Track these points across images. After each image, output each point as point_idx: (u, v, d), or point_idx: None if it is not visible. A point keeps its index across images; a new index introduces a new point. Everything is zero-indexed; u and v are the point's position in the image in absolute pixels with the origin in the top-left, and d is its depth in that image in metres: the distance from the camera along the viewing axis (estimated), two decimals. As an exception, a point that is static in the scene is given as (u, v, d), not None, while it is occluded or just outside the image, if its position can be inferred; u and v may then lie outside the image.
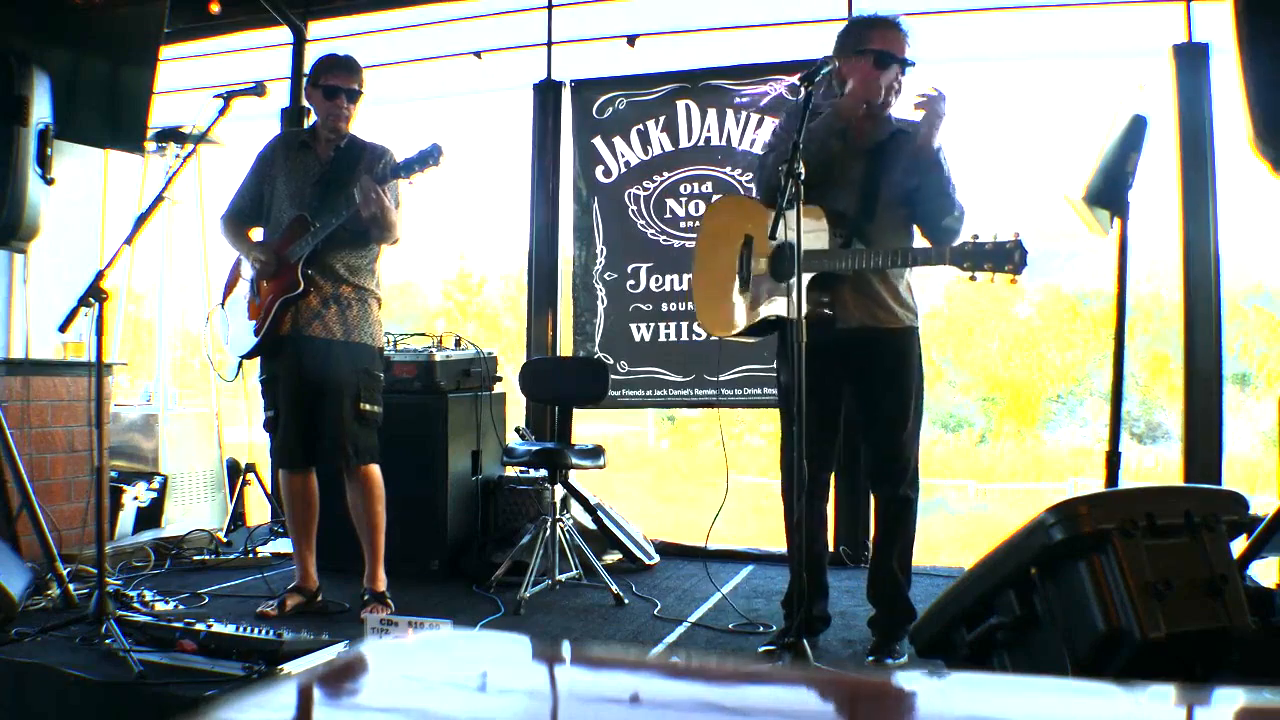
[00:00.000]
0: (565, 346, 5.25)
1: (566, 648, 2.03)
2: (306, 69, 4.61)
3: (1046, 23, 4.74)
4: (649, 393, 5.10)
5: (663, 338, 5.04)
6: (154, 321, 5.79)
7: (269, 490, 5.35)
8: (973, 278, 2.85)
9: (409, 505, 4.17)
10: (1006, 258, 2.77)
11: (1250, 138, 2.89)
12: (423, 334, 4.76)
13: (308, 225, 3.60)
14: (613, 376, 4.83)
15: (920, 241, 3.23)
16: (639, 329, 5.07)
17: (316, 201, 3.66)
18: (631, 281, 5.09)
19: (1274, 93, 2.83)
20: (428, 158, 3.48)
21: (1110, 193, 3.16)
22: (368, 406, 3.69)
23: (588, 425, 6.22)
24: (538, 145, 5.33)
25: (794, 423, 2.76)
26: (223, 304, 3.93)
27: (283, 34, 5.76)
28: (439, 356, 4.47)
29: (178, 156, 5.32)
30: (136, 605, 3.62)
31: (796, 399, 2.74)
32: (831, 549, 4.27)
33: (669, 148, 5.05)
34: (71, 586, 3.63)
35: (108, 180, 5.32)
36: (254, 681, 2.70)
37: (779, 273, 3.08)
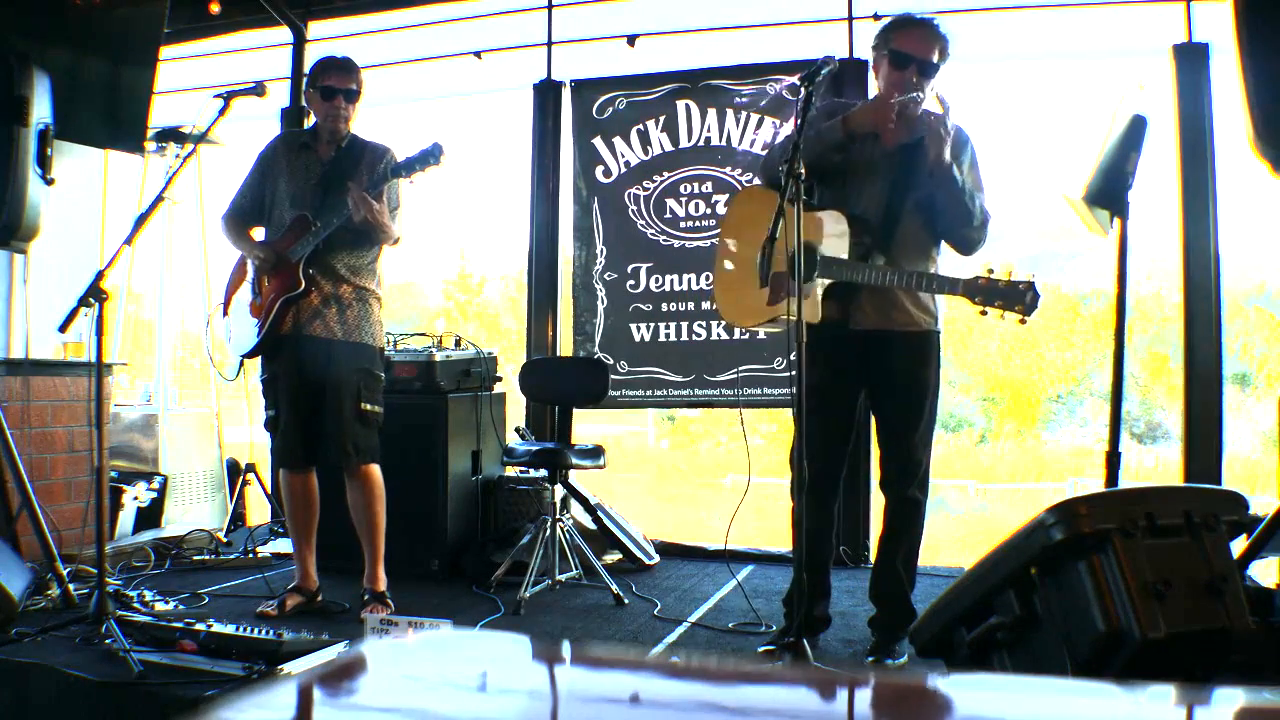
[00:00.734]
0: (565, 346, 5.25)
1: (566, 648, 2.03)
2: (306, 69, 4.61)
3: (1046, 23, 4.74)
4: (649, 393, 5.10)
5: (663, 338, 5.04)
6: (154, 321, 5.79)
7: (269, 490, 5.36)
8: (983, 312, 2.86)
9: (409, 505, 4.17)
10: (1019, 298, 2.77)
11: (1250, 138, 2.89)
12: (423, 334, 4.76)
13: (309, 225, 3.60)
14: (613, 376, 4.83)
15: (945, 249, 3.23)
16: (639, 329, 5.07)
17: (318, 202, 3.66)
18: (631, 281, 5.09)
19: (1274, 93, 2.83)
20: (428, 157, 3.48)
21: (1110, 193, 3.15)
22: (368, 406, 3.69)
23: (588, 425, 6.22)
24: (538, 145, 5.33)
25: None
26: (226, 304, 3.93)
27: (283, 34, 5.77)
28: (439, 356, 4.47)
29: (178, 156, 5.32)
30: (136, 605, 3.62)
31: (797, 399, 2.75)
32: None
33: (669, 148, 5.05)
34: (71, 586, 3.63)
35: (108, 180, 5.33)
36: (254, 681, 2.70)
37: (794, 274, 3.07)
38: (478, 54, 5.45)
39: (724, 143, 4.97)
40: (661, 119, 5.06)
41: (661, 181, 5.06)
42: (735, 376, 4.90)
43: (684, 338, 5.01)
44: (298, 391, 3.68)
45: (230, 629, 3.00)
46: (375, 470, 3.73)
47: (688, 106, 5.03)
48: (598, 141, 5.15)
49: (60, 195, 3.89)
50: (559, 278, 5.33)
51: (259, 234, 3.84)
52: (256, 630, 2.99)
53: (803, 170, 2.76)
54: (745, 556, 4.75)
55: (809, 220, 3.00)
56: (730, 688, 0.97)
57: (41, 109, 3.62)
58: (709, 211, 4.99)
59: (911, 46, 3.08)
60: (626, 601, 3.95)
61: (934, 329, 3.22)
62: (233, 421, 5.75)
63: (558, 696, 0.91)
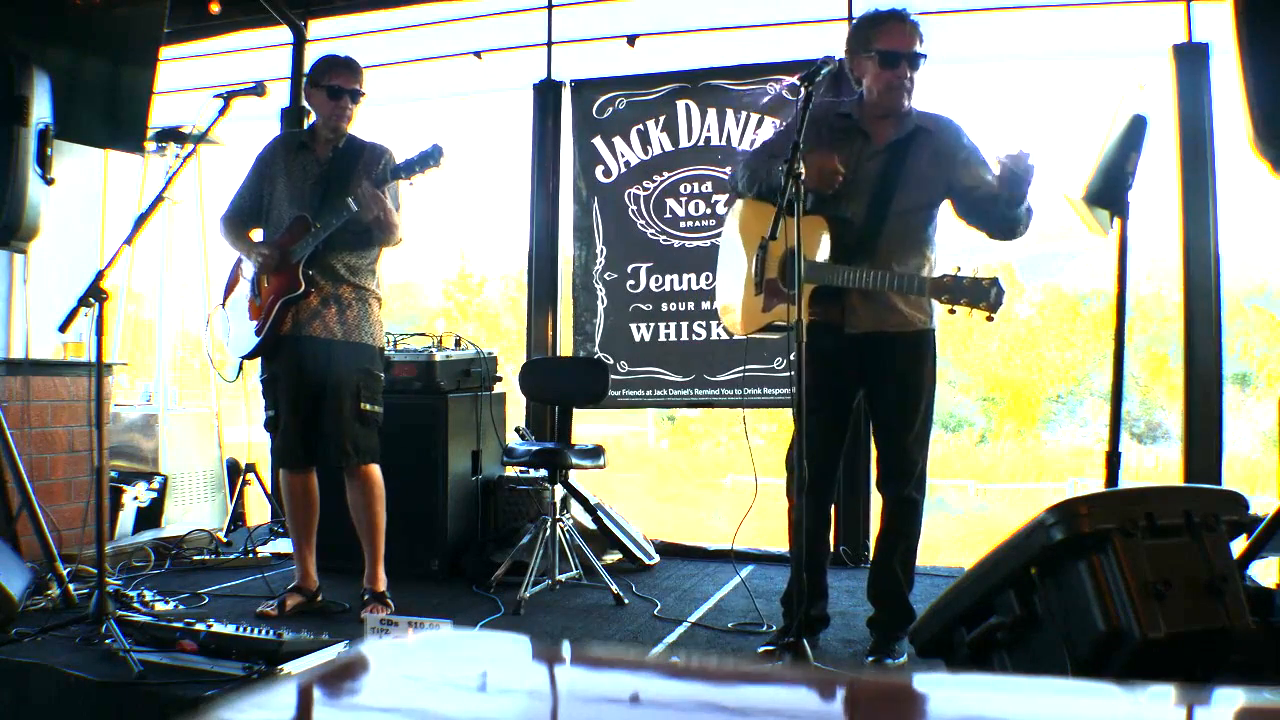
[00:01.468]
0: (565, 346, 5.25)
1: (566, 648, 2.03)
2: (306, 69, 4.60)
3: (1047, 23, 4.74)
4: (649, 393, 5.10)
5: (663, 338, 5.04)
6: (154, 321, 5.79)
7: (269, 490, 5.36)
8: (951, 310, 2.87)
9: (409, 505, 4.17)
10: (983, 295, 2.77)
11: (1250, 138, 2.89)
12: (423, 334, 4.76)
13: (308, 226, 3.60)
14: (613, 376, 4.83)
15: (942, 247, 3.22)
16: (639, 329, 5.07)
17: (317, 202, 3.66)
18: (631, 281, 5.09)
19: (1274, 93, 2.83)
20: (428, 159, 3.48)
21: (1110, 193, 3.16)
22: (368, 406, 3.69)
23: (588, 425, 6.22)
24: (538, 145, 5.33)
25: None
26: (224, 304, 3.93)
27: (283, 34, 5.76)
28: (439, 356, 4.47)
29: (178, 156, 5.32)
30: (136, 605, 3.62)
31: (797, 400, 2.75)
32: (832, 549, 4.27)
33: (669, 148, 5.05)
34: (71, 586, 3.63)
35: (108, 180, 5.33)
36: (254, 681, 2.70)
37: (785, 280, 3.07)
38: (478, 54, 5.45)
39: (724, 143, 4.97)
40: (661, 119, 5.06)
41: (661, 181, 5.06)
42: (735, 376, 4.90)
43: (684, 338, 5.01)
44: (298, 392, 3.68)
45: (230, 629, 3.00)
46: (375, 470, 3.73)
47: (688, 106, 5.03)
48: (598, 141, 5.15)
49: (60, 195, 3.89)
50: (559, 278, 5.33)
51: (258, 235, 3.84)
52: (256, 630, 2.99)
53: (802, 170, 2.76)
54: (745, 556, 4.75)
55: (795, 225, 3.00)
56: (730, 688, 0.97)
57: (41, 109, 3.62)
58: (709, 211, 4.99)
59: (897, 43, 3.07)
60: (626, 601, 3.95)
61: (928, 327, 3.21)
62: (233, 421, 5.75)
63: (558, 696, 0.91)
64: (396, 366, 4.41)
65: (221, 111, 3.41)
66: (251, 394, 4.66)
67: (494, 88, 5.65)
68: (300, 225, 3.62)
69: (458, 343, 4.72)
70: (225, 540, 4.89)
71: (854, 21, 3.31)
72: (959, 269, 2.85)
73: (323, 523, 3.84)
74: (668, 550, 4.90)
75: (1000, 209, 3.02)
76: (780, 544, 4.37)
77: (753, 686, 0.96)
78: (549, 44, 5.30)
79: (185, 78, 5.80)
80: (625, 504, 5.02)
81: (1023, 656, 2.27)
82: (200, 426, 5.60)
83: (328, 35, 5.73)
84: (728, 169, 4.93)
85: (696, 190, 5.01)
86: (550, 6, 5.29)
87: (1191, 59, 4.29)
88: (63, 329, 3.27)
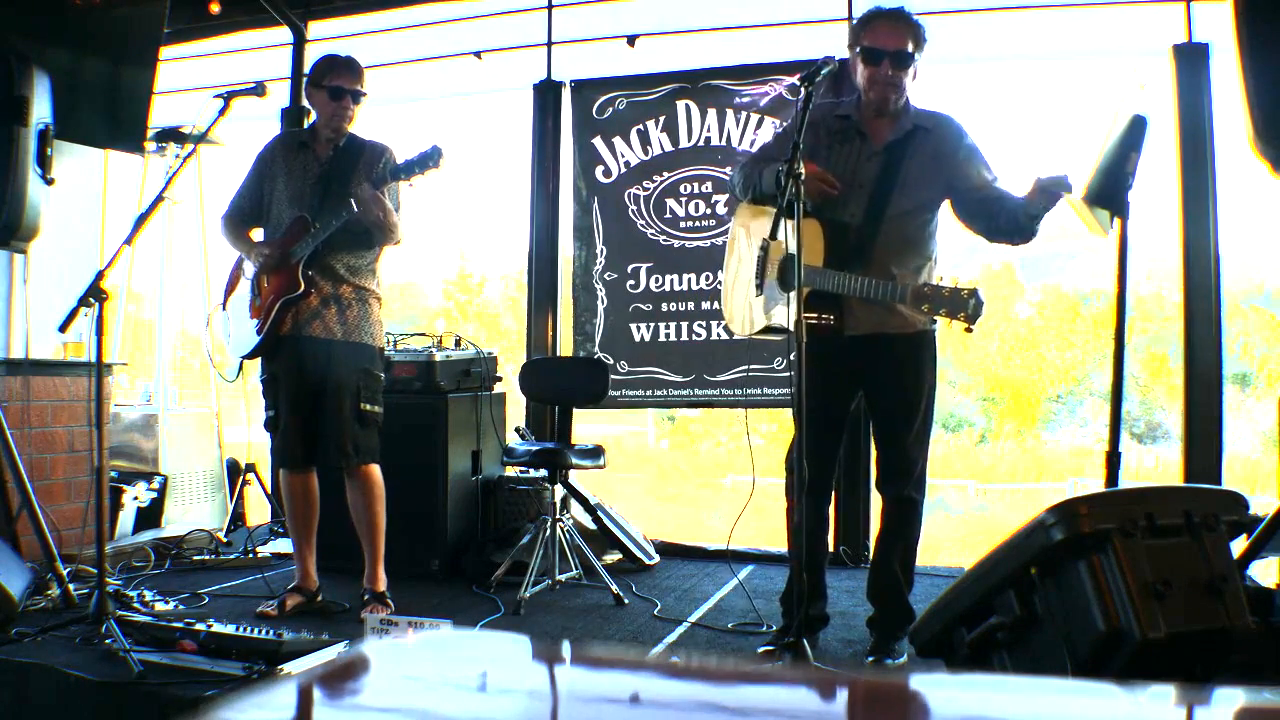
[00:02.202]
0: (565, 346, 5.25)
1: (566, 648, 2.03)
2: (306, 69, 4.61)
3: (1047, 23, 4.74)
4: (649, 393, 5.10)
5: (663, 338, 5.04)
6: (154, 321, 5.79)
7: (269, 490, 5.36)
8: (932, 321, 2.85)
9: (409, 505, 4.17)
10: (961, 306, 2.74)
11: (1250, 138, 2.89)
12: (423, 334, 4.76)
13: (308, 226, 3.60)
14: (613, 376, 4.83)
15: (942, 248, 3.22)
16: (639, 329, 5.07)
17: (317, 202, 3.66)
18: (631, 281, 5.09)
19: (1274, 93, 2.83)
20: (428, 160, 3.48)
21: (1110, 193, 3.15)
22: (368, 406, 3.69)
23: (588, 425, 6.22)
24: (538, 145, 5.33)
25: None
26: (224, 304, 3.93)
27: (283, 34, 5.76)
28: (439, 356, 4.47)
29: (178, 156, 5.32)
30: (136, 605, 3.61)
31: (796, 400, 2.75)
32: (831, 549, 4.27)
33: (669, 148, 5.05)
34: (71, 586, 3.63)
35: (108, 180, 5.32)
36: (254, 681, 2.70)
37: (783, 282, 3.07)
38: (478, 54, 5.45)
39: (724, 143, 4.97)
40: (661, 119, 5.06)
41: (661, 181, 5.06)
42: (735, 376, 4.90)
43: (684, 338, 5.01)
44: (298, 392, 3.68)
45: (230, 629, 3.00)
46: (375, 470, 3.73)
47: (688, 106, 5.03)
48: (598, 141, 5.15)
49: (60, 195, 3.89)
50: (559, 278, 5.33)
51: (258, 234, 3.84)
52: (256, 630, 2.99)
53: (802, 171, 2.76)
54: (745, 556, 4.75)
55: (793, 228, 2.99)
56: (730, 688, 0.97)
57: (41, 109, 3.62)
58: (709, 211, 4.99)
59: (882, 40, 3.06)
60: (626, 601, 3.95)
61: (929, 328, 3.20)
62: (232, 421, 5.75)
63: (558, 696, 0.91)
64: (396, 366, 4.42)
65: (221, 111, 3.41)
66: (251, 394, 4.66)
67: (494, 88, 5.66)
68: (300, 225, 3.62)
69: (458, 343, 4.72)
70: (225, 540, 4.89)
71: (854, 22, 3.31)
72: (941, 279, 2.83)
73: (323, 523, 3.84)
74: (668, 550, 4.90)
75: (1019, 220, 2.98)
76: (779, 544, 4.37)
77: (753, 686, 0.96)
78: (549, 44, 5.30)
79: (185, 78, 5.80)
80: (625, 504, 5.02)
81: (1023, 656, 2.27)
82: (200, 426, 5.60)
83: (328, 35, 5.73)
84: (728, 169, 4.93)
85: (696, 190, 5.01)
86: (550, 6, 5.29)
87: (1191, 59, 4.29)
88: (63, 329, 3.27)
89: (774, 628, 3.49)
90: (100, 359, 3.27)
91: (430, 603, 3.91)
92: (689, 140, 5.02)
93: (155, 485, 5.12)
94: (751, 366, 4.82)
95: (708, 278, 4.94)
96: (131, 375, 6.18)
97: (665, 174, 5.05)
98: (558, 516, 4.08)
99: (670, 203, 5.04)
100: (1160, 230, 4.49)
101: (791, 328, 2.80)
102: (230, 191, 3.91)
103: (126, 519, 4.92)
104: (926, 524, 3.33)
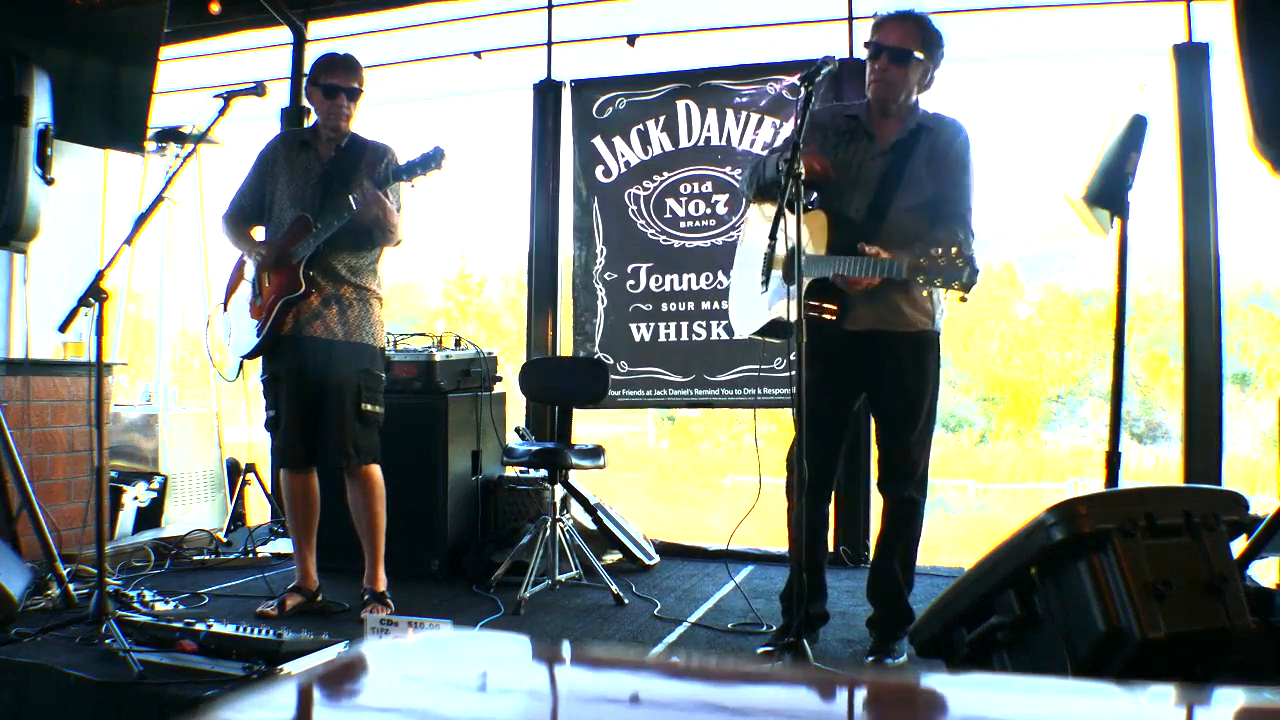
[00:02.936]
0: (565, 346, 5.25)
1: (566, 648, 2.03)
2: (306, 69, 4.61)
3: (1046, 23, 4.74)
4: (649, 393, 5.10)
5: (663, 338, 5.04)
6: (154, 321, 5.79)
7: (269, 490, 5.36)
8: (929, 293, 2.86)
9: (409, 505, 4.17)
10: (956, 274, 2.75)
11: (1250, 138, 2.89)
12: (423, 334, 4.76)
13: (309, 226, 3.60)
14: (613, 376, 4.83)
15: None
16: (639, 329, 5.07)
17: (318, 201, 3.66)
18: (631, 281, 5.09)
19: (1274, 93, 2.83)
20: (429, 161, 3.48)
21: (1110, 193, 3.15)
22: (369, 406, 3.69)
23: (588, 425, 6.22)
24: (538, 145, 5.33)
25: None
26: (225, 304, 3.93)
27: (283, 34, 5.77)
28: (439, 356, 4.47)
29: (178, 156, 5.32)
30: (136, 605, 3.61)
31: (797, 400, 2.75)
32: (831, 549, 4.27)
33: (669, 148, 5.05)
34: (71, 586, 3.63)
35: (108, 180, 5.33)
36: (254, 681, 2.70)
37: (786, 276, 3.08)
38: (478, 54, 5.45)
39: (724, 143, 4.97)
40: (661, 119, 5.06)
41: (661, 181, 5.06)
42: (735, 376, 4.90)
43: (684, 338, 5.01)
44: (298, 391, 3.68)
45: (230, 629, 3.00)
46: (375, 470, 3.73)
47: (688, 106, 5.03)
48: (598, 141, 5.15)
49: (60, 195, 3.89)
50: (559, 278, 5.33)
51: (259, 234, 3.84)
52: (256, 630, 2.99)
53: (801, 170, 2.76)
54: (745, 556, 4.75)
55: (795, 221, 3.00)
56: (730, 688, 0.97)
57: (41, 109, 3.62)
58: (709, 211, 4.99)
59: (882, 37, 3.10)
60: (626, 601, 3.95)
61: (931, 329, 3.19)
62: (232, 421, 5.75)
63: (558, 696, 0.91)
64: (397, 366, 4.41)
65: (221, 111, 3.41)
66: (251, 394, 4.67)
67: (494, 88, 5.66)
68: (301, 225, 3.62)
69: (458, 343, 4.72)
70: (225, 540, 4.89)
71: None
72: (937, 250, 2.83)
73: (323, 523, 3.84)
74: (667, 550, 4.90)
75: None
76: (779, 543, 4.37)
77: (753, 686, 0.96)
78: (549, 44, 5.30)
79: (185, 78, 5.81)
80: (625, 504, 5.02)
81: (1023, 656, 2.27)
82: (200, 426, 5.60)
83: (328, 35, 5.73)
84: (728, 169, 4.94)
85: (696, 190, 5.01)
86: (550, 6, 5.29)
87: (1191, 59, 4.29)
88: (63, 329, 3.27)
89: (774, 628, 3.49)
90: (100, 359, 3.27)
91: (430, 603, 3.91)
92: (689, 140, 5.02)
93: (155, 485, 5.12)
94: (752, 366, 4.82)
95: (708, 278, 4.94)
96: (131, 375, 6.18)
97: (665, 174, 5.05)
98: (558, 516, 4.08)
99: (670, 203, 5.04)
100: (1160, 230, 4.50)
101: (788, 318, 2.80)
102: (231, 191, 3.91)
103: (126, 519, 4.92)
104: (926, 524, 3.33)
